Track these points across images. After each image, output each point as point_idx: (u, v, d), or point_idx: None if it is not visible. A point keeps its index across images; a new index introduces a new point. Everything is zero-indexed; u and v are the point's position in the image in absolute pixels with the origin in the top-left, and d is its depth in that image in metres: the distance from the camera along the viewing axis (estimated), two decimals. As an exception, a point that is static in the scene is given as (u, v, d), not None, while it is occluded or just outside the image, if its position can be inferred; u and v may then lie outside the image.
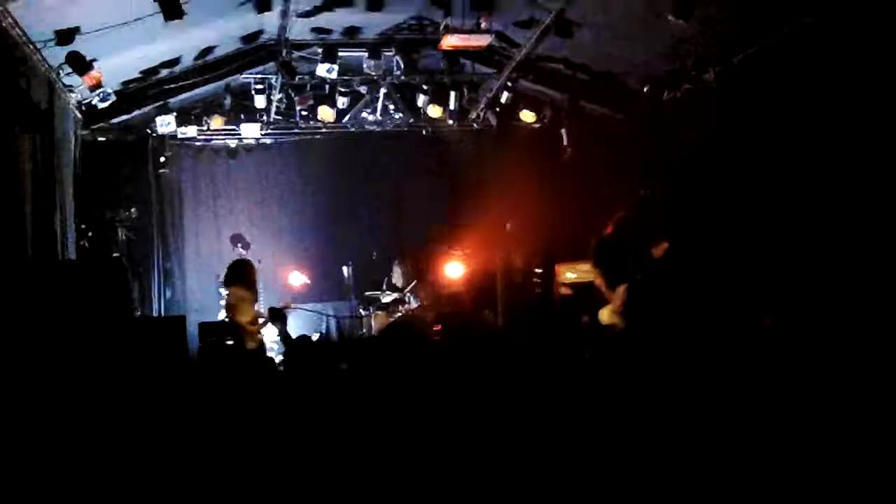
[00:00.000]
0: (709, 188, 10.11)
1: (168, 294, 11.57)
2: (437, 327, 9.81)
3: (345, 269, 11.75)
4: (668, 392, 4.77)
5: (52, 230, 8.55)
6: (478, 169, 12.11)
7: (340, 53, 10.31)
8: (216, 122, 11.25)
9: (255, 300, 9.00)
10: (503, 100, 11.38)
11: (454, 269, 11.73)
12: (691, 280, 8.95)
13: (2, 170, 7.12)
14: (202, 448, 4.43)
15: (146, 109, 10.72)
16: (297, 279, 11.47)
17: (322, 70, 10.25)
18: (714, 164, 10.00)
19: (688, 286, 8.87)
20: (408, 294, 11.17)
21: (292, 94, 11.23)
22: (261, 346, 9.00)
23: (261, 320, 8.91)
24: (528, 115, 11.73)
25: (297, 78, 10.73)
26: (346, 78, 10.94)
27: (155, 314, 10.94)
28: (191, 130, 11.24)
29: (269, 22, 9.70)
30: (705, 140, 9.98)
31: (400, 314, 10.93)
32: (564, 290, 10.87)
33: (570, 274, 10.80)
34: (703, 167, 10.11)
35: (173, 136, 11.33)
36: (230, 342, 9.01)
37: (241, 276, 8.93)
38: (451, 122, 11.77)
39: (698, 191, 10.18)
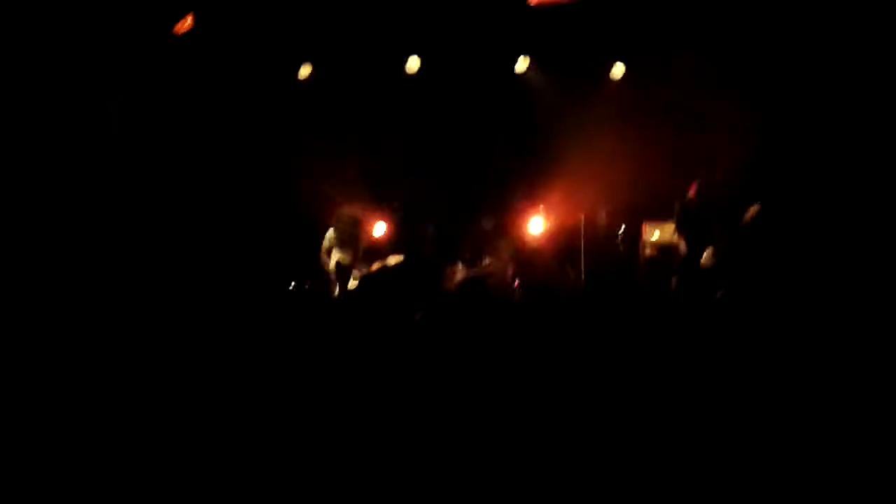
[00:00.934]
0: (809, 147, 9.75)
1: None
2: (516, 283, 9.72)
3: (429, 224, 11.70)
4: (757, 369, 4.61)
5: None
6: (564, 122, 11.84)
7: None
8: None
9: (353, 249, 9.04)
10: (592, 54, 11.12)
11: (536, 225, 11.58)
12: (784, 246, 8.71)
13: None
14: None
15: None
16: (380, 230, 11.45)
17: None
18: (813, 123, 9.63)
19: (780, 253, 8.63)
20: (488, 249, 11.07)
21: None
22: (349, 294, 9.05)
23: (357, 270, 8.97)
24: (618, 68, 11.42)
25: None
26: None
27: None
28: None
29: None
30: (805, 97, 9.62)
31: (479, 268, 10.85)
32: (650, 251, 10.67)
33: (656, 234, 10.58)
34: (802, 126, 9.74)
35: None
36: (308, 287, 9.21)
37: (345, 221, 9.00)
38: (536, 73, 11.54)
39: (796, 150, 9.83)
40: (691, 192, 8.87)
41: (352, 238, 9.09)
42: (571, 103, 11.55)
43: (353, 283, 9.01)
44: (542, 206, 11.71)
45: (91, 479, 3.72)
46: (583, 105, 11.44)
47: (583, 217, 12.05)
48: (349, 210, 9.29)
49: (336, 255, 9.03)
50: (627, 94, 11.55)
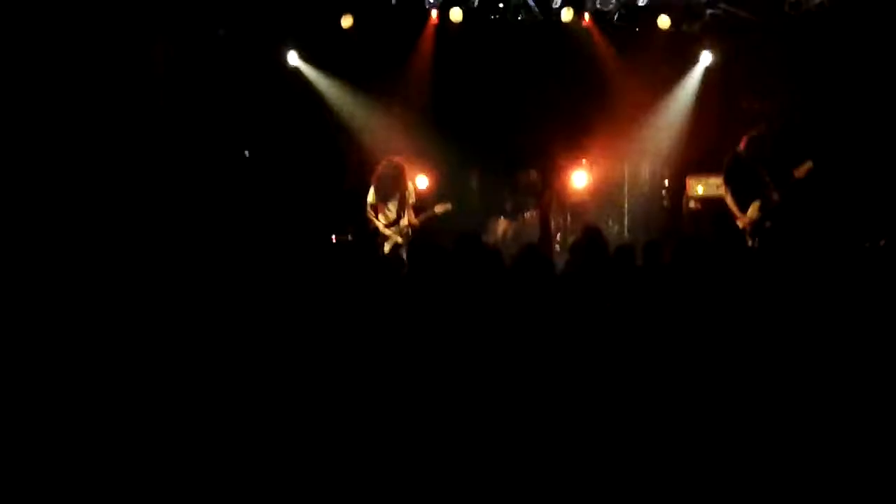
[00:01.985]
0: (861, 106, 9.58)
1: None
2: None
3: (472, 177, 11.67)
4: (805, 328, 4.56)
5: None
6: (608, 74, 11.69)
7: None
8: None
9: (400, 202, 9.06)
10: (640, 2, 10.93)
11: (579, 178, 11.52)
12: (835, 205, 8.59)
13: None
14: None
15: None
16: (422, 182, 11.45)
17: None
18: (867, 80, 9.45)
19: (831, 211, 8.53)
20: (531, 203, 11.03)
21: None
22: (396, 249, 9.10)
23: (404, 223, 9.00)
24: (664, 21, 11.21)
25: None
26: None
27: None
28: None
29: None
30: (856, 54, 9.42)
31: (521, 220, 10.83)
32: (693, 205, 10.60)
33: (700, 188, 10.51)
34: (855, 83, 9.56)
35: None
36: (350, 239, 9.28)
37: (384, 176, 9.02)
38: (584, 23, 11.38)
39: (848, 108, 9.66)
40: (742, 145, 8.74)
41: (395, 185, 9.09)
42: (617, 55, 11.39)
43: (396, 236, 9.04)
44: (585, 160, 11.64)
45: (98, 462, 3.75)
46: (629, 56, 11.27)
47: (626, 170, 11.99)
48: (392, 160, 9.27)
49: (380, 206, 9.05)
50: (675, 47, 11.37)
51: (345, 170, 11.34)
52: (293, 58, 11.31)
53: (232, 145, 11.08)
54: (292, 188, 10.89)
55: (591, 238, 6.93)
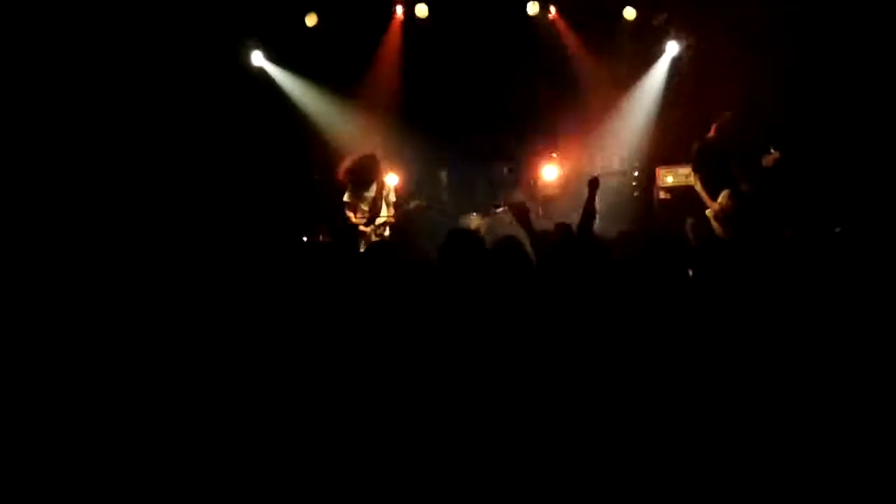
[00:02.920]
0: (829, 93, 9.64)
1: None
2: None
3: (442, 172, 11.63)
4: (779, 315, 4.55)
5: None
6: (576, 67, 11.70)
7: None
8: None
9: (376, 198, 8.88)
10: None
11: (550, 172, 11.52)
12: (805, 195, 8.63)
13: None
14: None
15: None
16: (392, 180, 11.39)
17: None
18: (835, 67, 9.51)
19: (801, 201, 8.56)
20: (502, 197, 11.01)
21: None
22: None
23: (380, 220, 8.83)
24: (629, 13, 11.24)
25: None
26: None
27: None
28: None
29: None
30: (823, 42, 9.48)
31: (494, 216, 10.81)
32: (664, 195, 10.63)
33: (670, 178, 10.54)
34: (823, 70, 9.62)
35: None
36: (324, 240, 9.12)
37: (359, 171, 8.85)
38: (550, 16, 11.39)
39: (816, 96, 9.71)
40: (710, 133, 8.76)
41: (371, 180, 8.89)
42: (584, 47, 11.40)
43: (372, 235, 8.90)
44: (555, 153, 11.64)
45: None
46: (597, 50, 11.29)
47: (596, 162, 11.99)
48: (367, 154, 9.09)
49: (355, 202, 8.87)
50: (642, 38, 11.40)
51: (312, 169, 11.24)
52: (257, 57, 11.22)
53: (197, 146, 10.97)
54: (260, 188, 10.79)
55: (563, 234, 6.95)
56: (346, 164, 8.90)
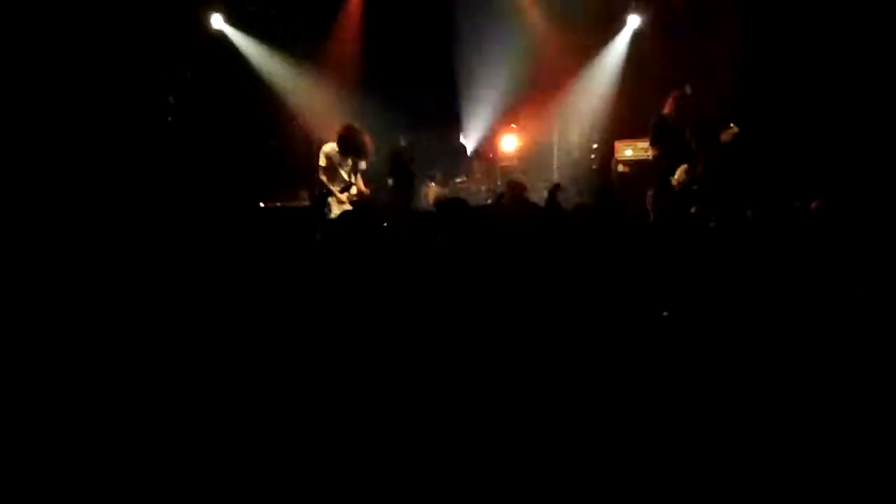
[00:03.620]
0: (788, 68, 9.72)
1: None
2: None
3: (402, 140, 11.57)
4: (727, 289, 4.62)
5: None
6: (537, 38, 11.69)
7: None
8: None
9: (353, 169, 8.78)
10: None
11: (509, 143, 11.55)
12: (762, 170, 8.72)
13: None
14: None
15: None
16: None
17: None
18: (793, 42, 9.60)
19: (756, 171, 8.65)
20: (461, 167, 11.04)
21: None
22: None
23: (354, 190, 8.73)
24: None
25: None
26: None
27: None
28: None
29: None
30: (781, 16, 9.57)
31: (453, 186, 10.84)
32: (622, 168, 10.69)
33: (628, 151, 10.61)
34: (781, 45, 9.71)
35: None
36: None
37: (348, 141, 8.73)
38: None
39: (775, 73, 9.80)
40: (667, 107, 8.80)
41: (355, 152, 8.78)
42: (546, 18, 11.40)
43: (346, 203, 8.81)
44: (515, 124, 11.66)
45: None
46: (558, 21, 11.30)
47: (556, 134, 12.04)
48: (354, 126, 8.95)
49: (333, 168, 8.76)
50: (603, 11, 11.43)
51: (270, 134, 11.16)
52: (217, 21, 11.09)
53: (157, 108, 10.85)
54: (217, 152, 10.71)
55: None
56: (346, 133, 8.77)
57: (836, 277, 4.57)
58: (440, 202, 5.32)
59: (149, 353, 4.20)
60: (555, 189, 6.82)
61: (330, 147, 8.64)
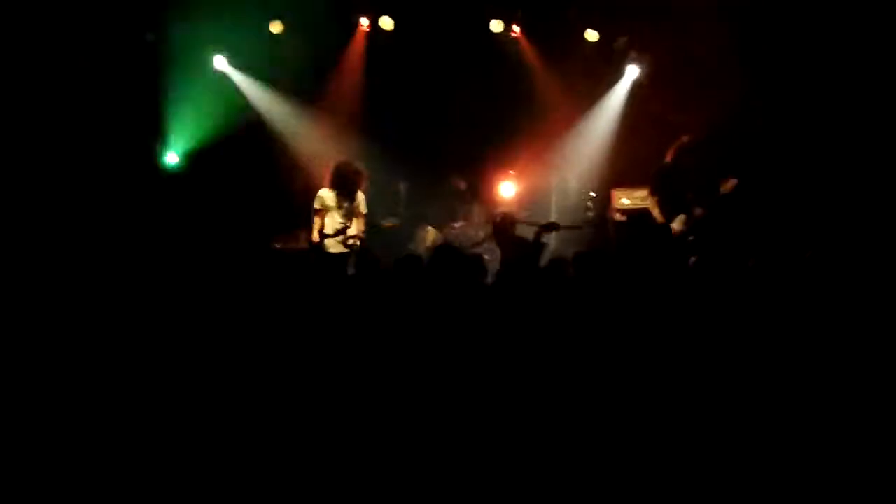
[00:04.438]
0: (786, 119, 9.82)
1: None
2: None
3: (401, 184, 11.60)
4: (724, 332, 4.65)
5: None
6: (537, 86, 11.78)
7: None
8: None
9: (349, 210, 8.72)
10: (567, 18, 11.14)
11: (507, 189, 11.59)
12: (757, 217, 8.77)
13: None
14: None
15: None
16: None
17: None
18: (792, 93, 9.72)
19: (753, 223, 8.70)
20: (459, 212, 11.05)
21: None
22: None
23: (352, 232, 8.65)
24: (592, 35, 11.38)
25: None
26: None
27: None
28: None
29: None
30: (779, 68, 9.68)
31: (450, 231, 10.84)
32: (618, 216, 10.73)
33: (626, 200, 10.65)
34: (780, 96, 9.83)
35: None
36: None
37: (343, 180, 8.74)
38: (513, 35, 11.50)
39: (774, 121, 9.90)
40: (669, 156, 8.87)
41: (352, 192, 8.75)
42: (546, 66, 11.51)
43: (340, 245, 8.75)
44: (513, 171, 11.71)
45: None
46: (557, 69, 11.40)
47: (553, 181, 12.09)
48: (353, 164, 8.92)
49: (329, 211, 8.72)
50: (602, 60, 11.55)
51: (276, 176, 11.21)
52: (220, 62, 11.17)
53: (156, 148, 10.93)
54: (222, 195, 10.75)
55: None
56: (336, 168, 8.76)
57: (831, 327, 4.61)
58: (436, 248, 5.36)
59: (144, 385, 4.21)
60: (546, 228, 6.83)
61: (324, 191, 8.68)
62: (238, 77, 11.29)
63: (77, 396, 4.14)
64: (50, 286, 6.06)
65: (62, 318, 5.11)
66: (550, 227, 7.44)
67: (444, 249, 5.92)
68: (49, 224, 9.00)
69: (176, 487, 3.58)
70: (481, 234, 10.56)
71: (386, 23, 11.21)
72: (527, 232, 8.96)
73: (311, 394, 4.13)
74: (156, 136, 10.83)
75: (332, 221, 8.67)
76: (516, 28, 11.44)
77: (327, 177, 8.77)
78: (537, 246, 7.64)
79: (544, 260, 7.95)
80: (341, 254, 8.60)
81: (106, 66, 9.94)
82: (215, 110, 11.07)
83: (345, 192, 8.67)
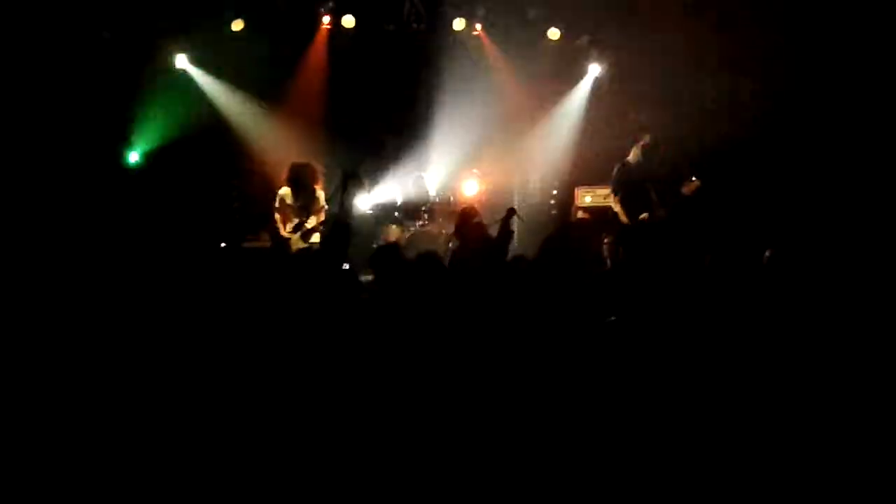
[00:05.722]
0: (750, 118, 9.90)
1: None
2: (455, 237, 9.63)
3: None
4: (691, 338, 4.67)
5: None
6: (499, 84, 11.80)
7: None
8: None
9: (306, 206, 8.82)
10: (530, 16, 11.18)
11: (470, 188, 11.61)
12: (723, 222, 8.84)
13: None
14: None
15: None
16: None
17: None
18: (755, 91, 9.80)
19: (716, 221, 8.77)
20: (422, 209, 11.04)
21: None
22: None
23: (309, 225, 8.75)
24: (554, 33, 11.43)
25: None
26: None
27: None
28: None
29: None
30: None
31: (413, 229, 10.82)
32: (581, 214, 10.77)
33: (588, 198, 10.70)
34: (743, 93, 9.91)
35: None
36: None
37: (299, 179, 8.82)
38: (475, 33, 11.52)
39: (738, 123, 9.98)
40: (630, 156, 8.92)
41: (308, 188, 8.89)
42: (508, 65, 11.54)
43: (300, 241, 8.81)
44: (476, 169, 11.73)
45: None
46: (520, 68, 11.43)
47: (516, 180, 12.12)
48: (305, 162, 9.05)
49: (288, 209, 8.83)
50: (564, 59, 11.60)
51: (237, 175, 11.17)
52: (181, 60, 11.08)
53: (116, 147, 10.82)
54: (183, 193, 10.67)
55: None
56: (291, 167, 8.90)
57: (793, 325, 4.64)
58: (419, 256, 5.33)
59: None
60: (508, 215, 6.87)
61: (283, 189, 8.83)
62: (199, 76, 11.21)
63: (35, 393, 4.10)
64: (9, 284, 6.01)
65: (23, 316, 5.08)
66: (512, 212, 7.47)
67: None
68: (7, 223, 8.90)
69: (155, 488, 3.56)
70: (443, 231, 10.55)
71: (348, 20, 11.18)
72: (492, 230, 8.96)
73: (275, 391, 4.11)
74: (115, 135, 10.71)
75: (291, 218, 8.84)
76: (478, 26, 11.46)
77: (283, 175, 8.93)
78: (507, 233, 7.67)
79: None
80: (302, 250, 8.72)
81: (60, 65, 9.79)
82: (177, 109, 10.99)
83: (301, 189, 8.82)
